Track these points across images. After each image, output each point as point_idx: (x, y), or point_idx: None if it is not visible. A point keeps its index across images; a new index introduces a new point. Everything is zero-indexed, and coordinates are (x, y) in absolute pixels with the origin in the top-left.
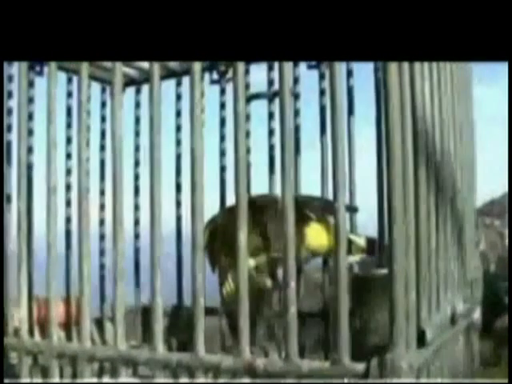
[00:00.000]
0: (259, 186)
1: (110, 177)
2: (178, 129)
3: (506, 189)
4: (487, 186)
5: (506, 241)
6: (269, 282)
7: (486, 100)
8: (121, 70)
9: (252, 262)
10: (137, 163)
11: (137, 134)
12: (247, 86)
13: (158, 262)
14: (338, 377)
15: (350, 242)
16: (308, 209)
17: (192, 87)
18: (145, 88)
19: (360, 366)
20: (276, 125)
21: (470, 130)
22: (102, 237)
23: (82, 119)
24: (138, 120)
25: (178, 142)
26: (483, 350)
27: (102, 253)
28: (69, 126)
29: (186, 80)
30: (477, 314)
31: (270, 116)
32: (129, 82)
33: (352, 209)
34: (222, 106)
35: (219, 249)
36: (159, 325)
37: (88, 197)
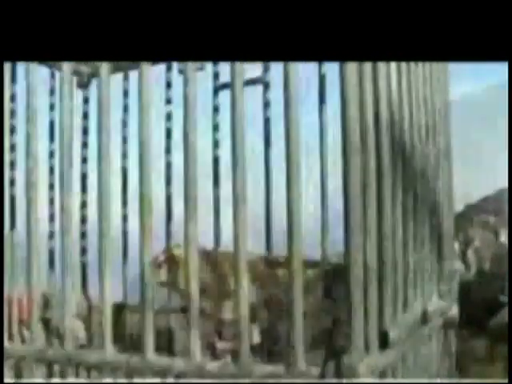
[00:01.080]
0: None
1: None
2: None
3: (501, 186)
4: (483, 184)
5: (502, 238)
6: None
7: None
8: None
9: None
10: None
11: None
12: (217, 76)
13: (106, 260)
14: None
15: None
16: None
17: (141, 77)
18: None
19: (315, 370)
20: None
21: (444, 114)
22: None
23: (29, 107)
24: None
25: None
26: (478, 349)
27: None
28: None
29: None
30: (454, 311)
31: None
32: (95, 73)
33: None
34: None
35: None
36: (108, 324)
37: (36, 191)
